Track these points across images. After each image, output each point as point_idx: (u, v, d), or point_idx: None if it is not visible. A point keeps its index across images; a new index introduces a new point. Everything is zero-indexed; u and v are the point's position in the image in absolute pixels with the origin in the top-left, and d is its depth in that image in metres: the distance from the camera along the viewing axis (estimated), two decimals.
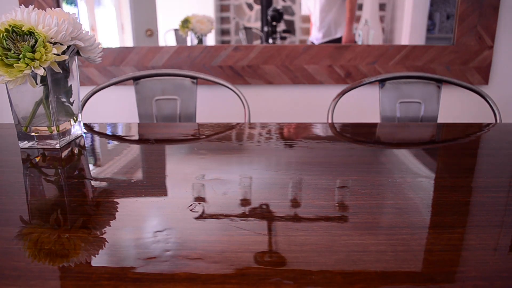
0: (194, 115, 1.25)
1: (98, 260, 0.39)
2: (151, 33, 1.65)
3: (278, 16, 1.63)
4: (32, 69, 0.63)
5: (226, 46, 1.50)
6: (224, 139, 0.82)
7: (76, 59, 0.76)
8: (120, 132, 0.91)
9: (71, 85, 0.75)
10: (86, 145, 0.78)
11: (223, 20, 1.66)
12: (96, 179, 0.60)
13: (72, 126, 0.77)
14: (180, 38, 1.65)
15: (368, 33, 1.63)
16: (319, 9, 1.64)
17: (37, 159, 0.69)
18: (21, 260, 0.39)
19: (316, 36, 1.64)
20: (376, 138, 0.87)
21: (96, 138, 0.85)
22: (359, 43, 1.62)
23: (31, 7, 0.65)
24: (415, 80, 1.22)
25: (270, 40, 1.66)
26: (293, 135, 0.85)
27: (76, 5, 1.58)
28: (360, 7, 1.62)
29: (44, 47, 0.63)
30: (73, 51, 0.72)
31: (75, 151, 0.74)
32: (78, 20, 0.70)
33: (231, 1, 1.64)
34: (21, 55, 0.62)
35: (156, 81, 1.24)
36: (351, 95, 1.30)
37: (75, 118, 0.78)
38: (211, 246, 0.41)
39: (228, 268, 0.37)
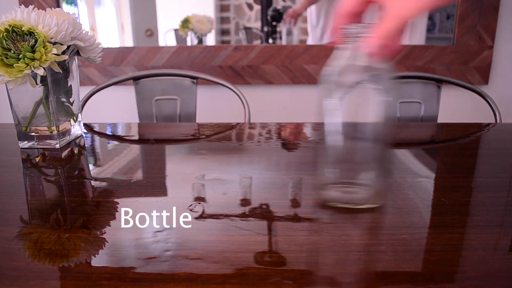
0: (194, 115, 1.25)
1: (98, 260, 0.39)
2: (151, 33, 1.65)
3: (278, 16, 1.63)
4: (32, 69, 0.63)
5: (226, 46, 1.50)
6: (224, 139, 0.82)
7: (76, 59, 0.76)
8: (120, 132, 0.91)
9: (71, 85, 0.75)
10: (86, 145, 0.78)
11: (223, 20, 1.66)
12: (96, 179, 0.60)
13: (72, 126, 0.77)
14: (180, 38, 1.65)
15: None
16: (315, 11, 1.63)
17: (37, 159, 0.69)
18: (21, 260, 0.39)
19: (311, 36, 1.63)
20: None
21: (96, 138, 0.85)
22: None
23: (31, 7, 0.65)
24: (415, 80, 1.22)
25: (270, 40, 1.66)
26: (293, 135, 0.85)
27: (76, 5, 1.58)
28: None
29: (44, 47, 0.63)
30: (73, 51, 0.72)
31: (75, 151, 0.74)
32: (78, 20, 0.70)
33: (231, 1, 1.64)
34: (21, 55, 0.62)
35: (156, 81, 1.24)
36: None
37: (75, 118, 0.78)
38: (211, 246, 0.41)
39: (228, 268, 0.37)
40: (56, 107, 0.71)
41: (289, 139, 0.82)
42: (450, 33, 1.48)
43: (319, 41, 1.61)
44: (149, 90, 1.24)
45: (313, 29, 1.62)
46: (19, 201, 0.53)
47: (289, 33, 1.64)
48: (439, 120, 1.24)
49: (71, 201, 0.53)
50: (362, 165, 0.48)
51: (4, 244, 0.41)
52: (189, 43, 1.66)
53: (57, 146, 0.73)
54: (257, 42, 1.68)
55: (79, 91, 0.78)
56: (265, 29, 1.65)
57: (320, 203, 0.49)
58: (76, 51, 0.73)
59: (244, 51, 1.49)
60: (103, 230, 0.44)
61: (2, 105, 1.19)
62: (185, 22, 1.62)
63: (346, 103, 0.45)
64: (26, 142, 0.73)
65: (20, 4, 1.39)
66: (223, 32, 1.67)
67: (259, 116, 1.51)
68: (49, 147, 0.73)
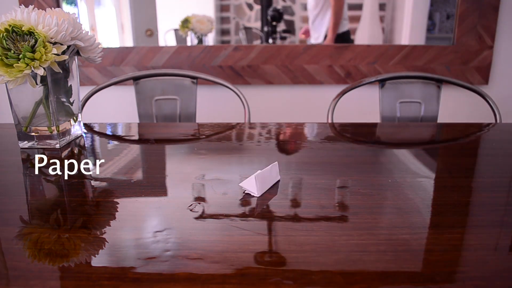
0: (194, 115, 1.25)
1: (98, 260, 0.39)
2: (151, 33, 1.65)
3: (278, 16, 1.63)
4: (32, 69, 0.63)
5: (226, 46, 1.50)
6: (224, 139, 0.82)
7: (76, 59, 0.76)
8: (120, 132, 0.91)
9: (71, 85, 0.75)
10: (86, 145, 0.78)
11: (223, 20, 1.66)
12: (96, 179, 0.60)
13: (72, 126, 0.77)
14: (180, 38, 1.65)
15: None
16: (311, 7, 1.64)
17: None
18: (21, 260, 0.39)
19: (312, 36, 1.63)
20: (376, 138, 0.87)
21: (96, 138, 0.85)
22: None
23: (31, 7, 0.65)
24: (415, 80, 1.22)
25: (270, 40, 1.66)
26: (293, 135, 0.85)
27: (76, 5, 1.58)
28: (360, 7, 1.62)
29: (44, 47, 0.63)
30: (73, 51, 0.72)
31: (75, 151, 0.74)
32: (78, 20, 0.70)
33: (231, 1, 1.64)
34: (21, 55, 0.62)
35: (156, 81, 1.24)
36: (351, 95, 1.30)
37: (75, 118, 0.78)
38: (211, 246, 0.41)
39: (228, 268, 0.37)
40: (56, 107, 0.71)
41: (289, 139, 0.82)
42: (450, 33, 1.48)
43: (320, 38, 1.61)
44: (149, 90, 1.24)
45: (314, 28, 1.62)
46: (19, 201, 0.53)
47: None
48: (439, 120, 1.24)
49: (71, 201, 0.53)
50: None
51: (4, 244, 0.41)
52: (189, 43, 1.66)
53: (57, 146, 0.73)
54: (257, 42, 1.68)
55: (79, 91, 0.78)
56: (265, 29, 1.65)
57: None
58: (76, 51, 0.73)
59: (244, 51, 1.49)
60: (103, 230, 0.44)
61: (2, 105, 1.19)
62: (185, 22, 1.62)
63: None
64: (26, 142, 0.73)
65: (20, 4, 1.39)
66: (223, 32, 1.67)
67: (259, 116, 1.51)
68: (49, 147, 0.73)
